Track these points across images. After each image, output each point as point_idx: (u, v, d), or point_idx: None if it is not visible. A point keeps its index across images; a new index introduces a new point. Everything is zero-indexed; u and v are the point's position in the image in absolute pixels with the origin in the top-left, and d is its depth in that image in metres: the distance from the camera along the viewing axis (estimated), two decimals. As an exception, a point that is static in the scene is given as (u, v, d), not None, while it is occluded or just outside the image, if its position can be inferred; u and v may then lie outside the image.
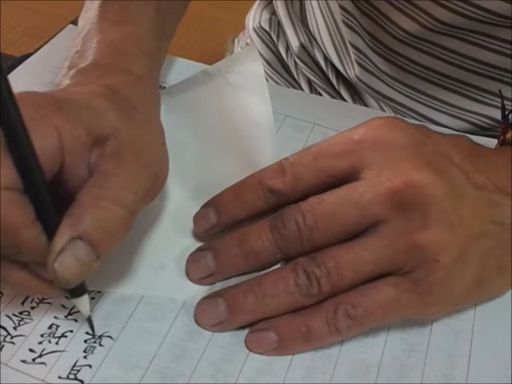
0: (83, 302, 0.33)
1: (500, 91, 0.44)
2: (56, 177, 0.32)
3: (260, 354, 0.34)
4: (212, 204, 0.38)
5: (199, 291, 0.37)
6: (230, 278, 0.37)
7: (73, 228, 0.30)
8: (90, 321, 0.34)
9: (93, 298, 0.36)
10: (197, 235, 0.39)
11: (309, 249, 0.35)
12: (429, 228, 0.33)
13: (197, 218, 0.39)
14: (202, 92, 0.46)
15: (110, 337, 0.34)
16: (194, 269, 0.37)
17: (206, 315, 0.35)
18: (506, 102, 0.43)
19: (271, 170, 0.37)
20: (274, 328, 0.35)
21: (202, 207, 0.39)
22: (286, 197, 0.36)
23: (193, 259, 0.37)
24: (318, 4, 0.58)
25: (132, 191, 0.32)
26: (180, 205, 0.41)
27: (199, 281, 0.37)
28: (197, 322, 0.35)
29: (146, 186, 0.33)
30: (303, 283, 0.34)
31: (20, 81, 0.48)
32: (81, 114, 0.33)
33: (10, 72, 0.49)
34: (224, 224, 0.38)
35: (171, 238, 0.39)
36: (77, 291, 0.33)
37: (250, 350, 0.35)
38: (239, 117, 0.44)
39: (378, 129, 0.36)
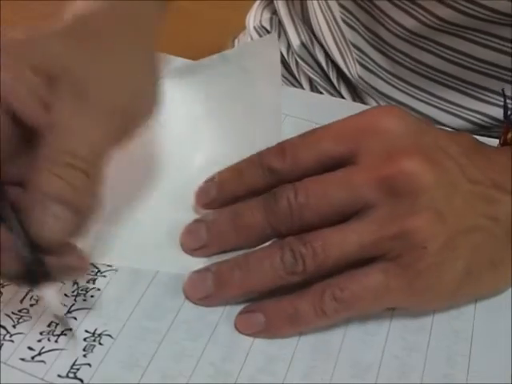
0: (48, 293, 0.32)
1: (503, 90, 0.44)
2: (15, 123, 0.32)
3: (249, 335, 0.35)
4: (213, 179, 0.39)
5: (194, 266, 0.37)
6: (224, 253, 0.38)
7: (39, 188, 0.30)
8: (60, 318, 0.33)
9: (92, 296, 0.36)
10: (198, 211, 0.40)
11: (298, 226, 0.36)
12: (417, 215, 0.34)
13: (198, 192, 0.40)
14: (215, 74, 0.47)
15: (109, 335, 0.34)
16: (187, 239, 0.38)
17: (193, 288, 0.36)
18: (507, 101, 0.43)
19: (272, 150, 0.38)
20: (261, 310, 0.35)
21: (205, 182, 0.40)
22: (285, 176, 0.37)
23: (187, 230, 0.39)
24: (318, 3, 0.58)
25: (91, 144, 0.32)
26: (184, 183, 0.41)
27: (192, 252, 0.38)
28: (185, 296, 0.36)
29: (110, 130, 0.33)
30: (288, 260, 0.35)
31: None
32: (24, 53, 0.32)
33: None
34: (223, 199, 0.39)
35: (172, 214, 0.40)
36: (36, 277, 0.31)
37: (239, 332, 0.35)
38: (249, 101, 0.45)
39: (378, 116, 0.37)
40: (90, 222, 0.32)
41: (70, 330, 0.34)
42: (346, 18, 0.53)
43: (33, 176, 0.31)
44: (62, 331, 0.34)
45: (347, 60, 0.57)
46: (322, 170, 0.36)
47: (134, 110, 0.35)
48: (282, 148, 0.38)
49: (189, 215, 0.40)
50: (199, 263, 0.38)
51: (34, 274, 0.31)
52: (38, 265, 0.31)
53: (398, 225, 0.34)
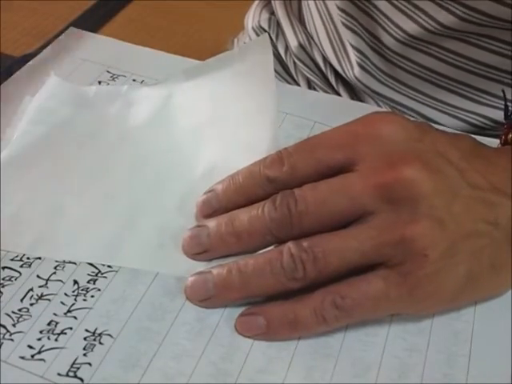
0: None
1: (504, 92, 0.44)
2: None
3: (248, 337, 0.35)
4: (214, 190, 0.40)
5: (194, 269, 0.37)
6: (226, 257, 0.38)
7: None
8: None
9: (92, 296, 0.36)
10: (199, 220, 0.40)
11: (298, 233, 0.36)
12: (417, 222, 0.34)
13: (199, 202, 0.40)
14: (211, 78, 0.47)
15: (109, 335, 0.34)
16: (189, 244, 0.38)
17: (194, 290, 0.36)
18: (508, 104, 0.43)
19: (270, 160, 0.38)
20: (263, 313, 0.35)
21: (205, 193, 0.40)
22: (284, 185, 0.37)
23: (189, 235, 0.39)
24: (316, 5, 0.58)
25: None
26: (186, 190, 0.42)
27: (193, 256, 0.38)
28: (186, 297, 0.36)
29: None
30: (289, 266, 0.35)
31: (20, 85, 0.48)
32: None
33: (10, 74, 0.49)
34: (224, 209, 0.39)
35: (174, 218, 0.40)
36: None
37: (239, 334, 0.35)
38: (244, 107, 0.45)
39: (375, 123, 0.37)
40: None
41: None
42: (345, 21, 0.53)
43: None
44: (62, 330, 0.34)
45: (343, 63, 0.56)
46: (321, 178, 0.36)
47: None
48: (279, 157, 0.38)
49: (191, 220, 0.40)
50: (200, 267, 0.38)
51: None
52: None
53: (398, 232, 0.34)
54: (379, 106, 0.56)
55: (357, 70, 0.55)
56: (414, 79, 0.53)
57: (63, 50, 0.52)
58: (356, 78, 0.55)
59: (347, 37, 0.54)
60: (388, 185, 0.34)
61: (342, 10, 0.53)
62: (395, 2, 0.49)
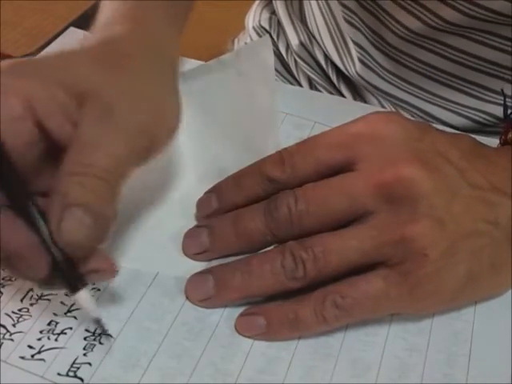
0: (84, 298, 0.33)
1: (502, 90, 0.44)
2: (45, 137, 0.33)
3: (248, 337, 0.35)
4: (214, 190, 0.40)
5: (194, 269, 0.37)
6: (226, 257, 0.38)
7: (63, 195, 0.31)
8: (98, 322, 0.34)
9: (92, 296, 0.36)
10: (199, 220, 0.40)
11: (299, 233, 0.36)
12: (417, 222, 0.34)
13: (199, 203, 0.40)
14: (213, 80, 0.47)
15: (109, 335, 0.34)
16: (189, 244, 0.39)
17: (194, 290, 0.37)
18: (507, 100, 0.43)
19: (271, 159, 0.38)
20: (263, 313, 0.35)
21: (205, 193, 0.40)
22: (284, 185, 0.37)
23: (189, 235, 0.39)
24: (318, 3, 0.58)
25: (113, 156, 0.32)
26: (186, 190, 0.42)
27: (193, 256, 0.38)
28: (186, 296, 0.36)
29: (133, 147, 0.33)
30: (289, 265, 0.35)
31: None
32: (56, 74, 0.33)
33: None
34: (224, 209, 0.39)
35: (174, 218, 0.40)
36: (75, 285, 0.33)
37: (239, 334, 0.35)
38: (245, 108, 0.46)
39: (375, 123, 0.37)
40: (110, 229, 0.33)
41: (110, 335, 0.34)
42: (348, 18, 0.54)
43: (57, 186, 0.31)
44: (62, 330, 0.34)
45: (345, 59, 0.57)
46: (321, 178, 0.36)
47: (157, 130, 0.35)
48: (280, 157, 0.38)
49: (191, 220, 0.40)
50: (200, 267, 0.38)
51: (72, 279, 0.32)
52: (72, 269, 0.32)
53: (398, 231, 0.34)
54: (381, 103, 0.56)
55: (358, 66, 0.55)
56: (415, 76, 0.53)
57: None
58: (358, 74, 0.55)
59: (349, 33, 0.54)
60: (388, 184, 0.34)
61: (345, 6, 0.53)
62: (398, 0, 0.49)
